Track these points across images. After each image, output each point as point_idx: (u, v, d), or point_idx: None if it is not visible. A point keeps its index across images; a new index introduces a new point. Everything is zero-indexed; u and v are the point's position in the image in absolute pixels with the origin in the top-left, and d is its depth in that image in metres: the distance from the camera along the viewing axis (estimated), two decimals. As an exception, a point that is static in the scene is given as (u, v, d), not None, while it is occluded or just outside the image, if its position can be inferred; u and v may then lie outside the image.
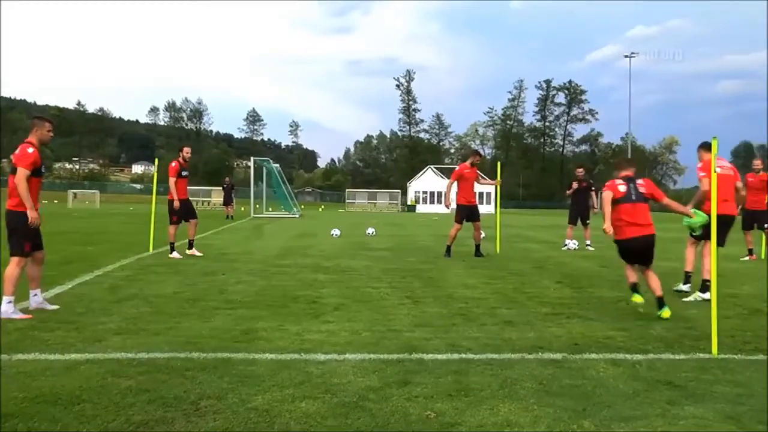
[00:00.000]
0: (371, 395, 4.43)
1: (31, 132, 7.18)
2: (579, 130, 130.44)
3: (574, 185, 16.93)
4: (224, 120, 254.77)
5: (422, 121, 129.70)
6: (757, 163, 15.28)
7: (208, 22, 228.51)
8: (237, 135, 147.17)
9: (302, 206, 53.55)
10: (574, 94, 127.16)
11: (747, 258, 14.63)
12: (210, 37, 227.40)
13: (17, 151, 7.00)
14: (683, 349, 5.93)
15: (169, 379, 4.70)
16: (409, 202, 75.17)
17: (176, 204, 13.01)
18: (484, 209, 13.89)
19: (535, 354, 5.66)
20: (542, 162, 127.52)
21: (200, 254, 13.30)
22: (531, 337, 6.34)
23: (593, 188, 17.22)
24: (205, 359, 5.29)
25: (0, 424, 3.82)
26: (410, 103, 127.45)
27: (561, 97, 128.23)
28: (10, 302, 6.80)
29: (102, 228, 23.24)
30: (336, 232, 20.89)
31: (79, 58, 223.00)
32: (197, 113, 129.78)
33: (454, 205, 14.58)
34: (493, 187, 17.06)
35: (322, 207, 70.48)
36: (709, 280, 8.28)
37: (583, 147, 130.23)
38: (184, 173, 13.24)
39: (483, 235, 14.53)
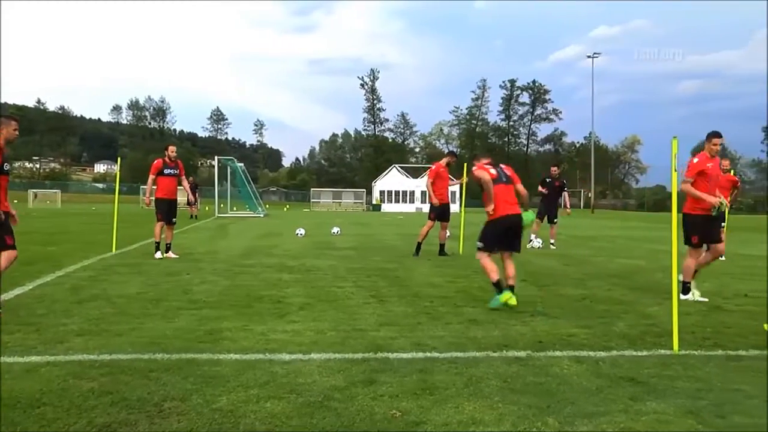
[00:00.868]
0: (336, 395, 4.42)
1: None
2: (543, 130, 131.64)
3: (546, 185, 17.06)
4: (188, 119, 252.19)
5: (387, 120, 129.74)
6: (726, 163, 15.49)
7: (170, 21, 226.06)
8: (201, 134, 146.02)
9: (267, 206, 53.30)
10: (538, 93, 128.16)
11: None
12: (173, 35, 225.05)
13: None
14: (645, 346, 6.02)
15: (132, 381, 4.65)
16: (374, 202, 75.21)
17: (147, 201, 12.77)
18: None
19: (500, 352, 5.70)
20: (506, 161, 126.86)
21: (176, 256, 12.98)
22: (496, 335, 6.38)
23: (565, 188, 17.40)
24: (169, 360, 5.23)
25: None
26: (375, 102, 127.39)
27: (525, 97, 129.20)
28: None
29: (64, 228, 22.88)
30: (301, 231, 20.82)
31: (38, 56, 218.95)
32: (160, 112, 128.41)
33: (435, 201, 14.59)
34: (458, 186, 17.08)
35: (287, 206, 70.23)
36: (687, 282, 8.66)
37: (547, 146, 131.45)
38: (167, 171, 12.83)
39: (449, 234, 14.60)
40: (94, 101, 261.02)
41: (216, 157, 46.59)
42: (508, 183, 8.40)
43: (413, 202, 72.65)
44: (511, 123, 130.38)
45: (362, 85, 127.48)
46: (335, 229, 22.00)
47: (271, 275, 10.47)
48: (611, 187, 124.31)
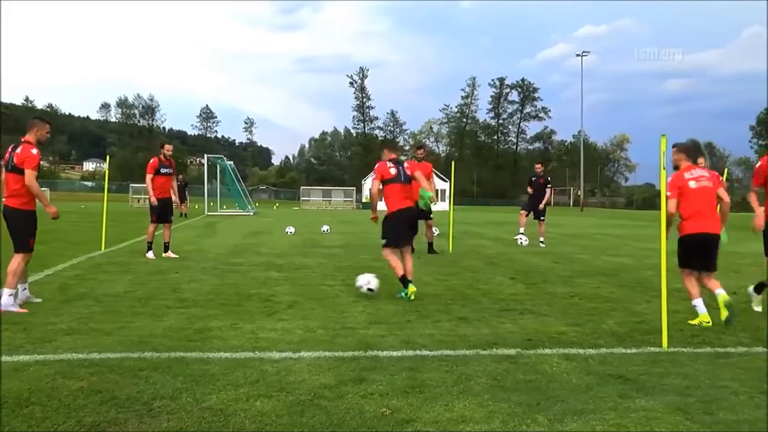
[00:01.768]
0: (326, 393, 4.43)
1: (29, 131, 7.48)
2: (532, 128, 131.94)
3: (532, 184, 17.14)
4: (177, 117, 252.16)
5: (376, 118, 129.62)
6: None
7: (159, 19, 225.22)
8: (190, 132, 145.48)
9: (257, 204, 53.18)
10: (527, 92, 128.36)
11: None
12: (161, 33, 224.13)
13: (19, 151, 7.22)
14: (634, 344, 6.05)
15: (121, 380, 4.64)
16: (363, 200, 75.14)
17: (152, 200, 12.62)
18: (437, 206, 13.86)
19: (490, 350, 5.71)
20: (496, 159, 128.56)
21: (176, 256, 12.81)
22: (485, 333, 6.40)
23: (549, 185, 17.46)
24: (159, 359, 5.22)
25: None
26: (364, 100, 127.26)
27: (514, 95, 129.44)
28: (11, 295, 7.05)
29: (52, 226, 22.73)
30: (290, 229, 20.78)
31: (26, 54, 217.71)
32: (149, 110, 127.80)
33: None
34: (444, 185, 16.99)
35: (277, 204, 69.95)
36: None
37: (537, 144, 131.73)
38: (163, 170, 12.66)
39: (437, 232, 14.60)
40: (82, 99, 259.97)
41: (205, 155, 46.42)
42: (406, 183, 8.58)
43: (403, 201, 72.52)
44: (501, 121, 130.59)
45: (351, 83, 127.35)
46: (325, 228, 21.97)
47: (260, 273, 10.45)
48: (600, 185, 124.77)
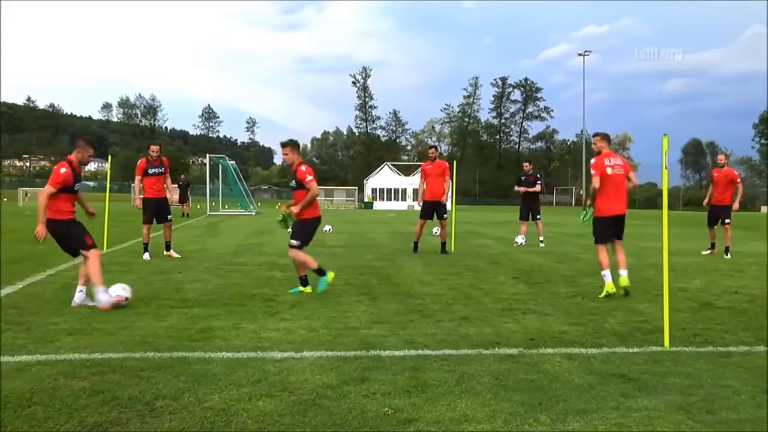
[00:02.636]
0: (328, 393, 4.42)
1: (75, 150, 7.96)
2: (534, 128, 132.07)
3: (522, 184, 17.17)
4: (179, 117, 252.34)
5: (379, 118, 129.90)
6: (721, 158, 15.42)
7: (160, 19, 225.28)
8: (192, 132, 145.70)
9: (259, 203, 53.17)
10: (530, 91, 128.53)
11: (708, 252, 14.90)
12: (163, 33, 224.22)
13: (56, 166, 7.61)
14: (636, 343, 6.04)
15: (123, 380, 4.64)
16: (366, 199, 75.18)
17: (137, 203, 12.60)
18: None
19: (492, 349, 5.71)
20: (498, 159, 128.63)
21: (177, 256, 12.79)
22: (487, 332, 6.39)
23: (539, 181, 17.47)
24: (161, 359, 5.22)
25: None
26: (366, 100, 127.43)
27: (517, 95, 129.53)
28: (104, 291, 7.30)
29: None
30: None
31: (29, 54, 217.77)
32: (151, 110, 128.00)
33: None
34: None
35: (279, 204, 69.97)
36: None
37: (539, 144, 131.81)
38: (152, 171, 12.62)
39: (437, 232, 14.64)
40: (84, 99, 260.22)
41: (207, 155, 46.49)
42: (298, 188, 8.97)
43: (405, 200, 72.72)
44: (503, 120, 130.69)
45: (354, 82, 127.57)
46: (327, 227, 21.95)
47: (262, 273, 10.46)
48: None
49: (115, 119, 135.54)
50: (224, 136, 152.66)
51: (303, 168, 8.75)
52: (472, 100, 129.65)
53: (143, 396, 4.29)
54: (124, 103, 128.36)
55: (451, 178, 14.82)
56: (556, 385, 4.69)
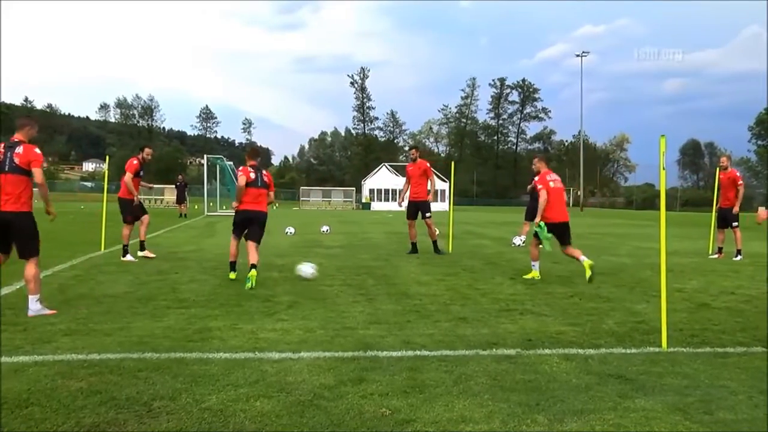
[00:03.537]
0: (326, 393, 4.43)
1: (21, 131, 7.24)
2: (532, 128, 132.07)
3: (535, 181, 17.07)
4: (177, 117, 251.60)
5: (376, 118, 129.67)
6: (723, 159, 15.02)
7: (157, 19, 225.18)
8: (190, 132, 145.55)
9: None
10: (528, 92, 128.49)
11: (716, 256, 14.20)
12: (160, 33, 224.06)
13: (21, 151, 7.01)
14: (634, 343, 6.05)
15: (121, 380, 4.64)
16: (363, 200, 75.15)
17: (136, 200, 12.58)
18: (437, 206, 13.98)
19: (489, 350, 5.72)
20: (496, 159, 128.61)
21: (153, 256, 12.74)
22: (485, 333, 6.40)
23: None
24: (158, 359, 5.22)
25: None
26: (364, 100, 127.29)
27: (514, 95, 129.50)
28: (38, 300, 7.05)
29: (51, 227, 22.72)
30: (290, 230, 20.79)
31: (26, 53, 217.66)
32: (148, 110, 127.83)
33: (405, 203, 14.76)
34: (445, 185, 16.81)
35: (277, 205, 69.91)
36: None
37: (537, 144, 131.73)
38: (142, 173, 12.78)
39: (437, 231, 14.61)
40: (81, 99, 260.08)
41: (205, 156, 46.43)
42: (262, 187, 9.76)
43: (403, 201, 72.70)
44: (501, 121, 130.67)
45: (352, 83, 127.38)
46: (324, 228, 21.97)
47: (260, 274, 10.43)
48: (600, 185, 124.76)
49: (112, 120, 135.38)
50: (222, 136, 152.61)
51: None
52: (469, 100, 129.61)
53: (141, 396, 4.29)
54: (121, 104, 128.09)
55: (449, 179, 14.82)
56: (553, 386, 4.70)
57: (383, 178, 76.79)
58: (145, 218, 12.97)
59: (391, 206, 69.14)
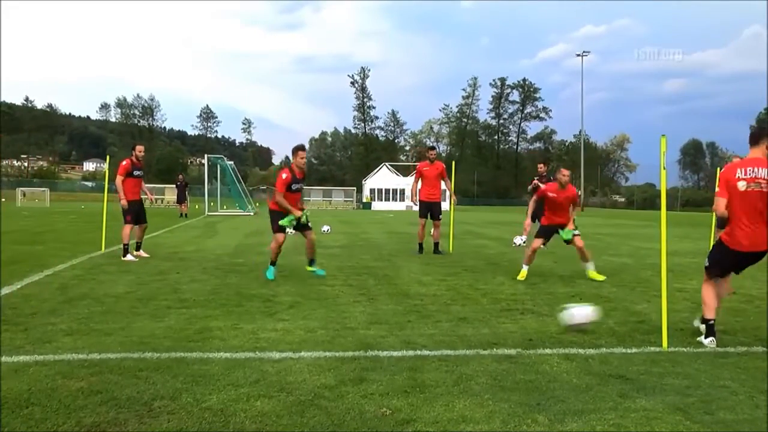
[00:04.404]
0: (326, 393, 4.43)
1: None
2: (533, 128, 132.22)
3: (536, 181, 17.03)
4: (177, 117, 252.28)
5: (377, 118, 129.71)
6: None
7: (158, 19, 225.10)
8: (191, 132, 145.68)
9: (257, 204, 53.13)
10: (528, 92, 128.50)
11: None
12: (161, 33, 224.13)
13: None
14: (635, 343, 6.05)
15: (121, 380, 4.64)
16: (364, 200, 75.18)
17: (123, 203, 12.47)
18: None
19: (490, 350, 5.72)
20: (496, 159, 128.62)
21: (147, 255, 12.72)
22: (485, 333, 6.40)
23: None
24: (159, 359, 5.22)
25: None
26: (365, 100, 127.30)
27: (515, 95, 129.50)
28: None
29: (52, 227, 22.75)
30: (291, 230, 20.74)
31: (27, 53, 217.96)
32: (149, 110, 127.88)
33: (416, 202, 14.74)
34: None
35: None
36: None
37: (537, 144, 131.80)
38: (136, 173, 12.63)
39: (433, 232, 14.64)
40: (82, 99, 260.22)
41: (206, 156, 46.38)
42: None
43: (403, 200, 72.78)
44: (501, 121, 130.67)
45: (352, 83, 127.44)
46: (325, 228, 21.94)
47: (261, 274, 10.45)
48: (601, 185, 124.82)
49: (113, 119, 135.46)
50: (222, 136, 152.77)
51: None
52: (470, 100, 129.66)
53: (141, 396, 4.29)
54: (121, 104, 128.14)
55: (450, 179, 14.81)
56: (554, 386, 4.70)
57: (384, 177, 76.85)
58: (142, 225, 12.92)
59: (392, 206, 69.28)
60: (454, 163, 16.34)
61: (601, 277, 10.17)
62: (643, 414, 4.12)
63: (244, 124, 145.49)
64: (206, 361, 5.19)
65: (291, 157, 10.11)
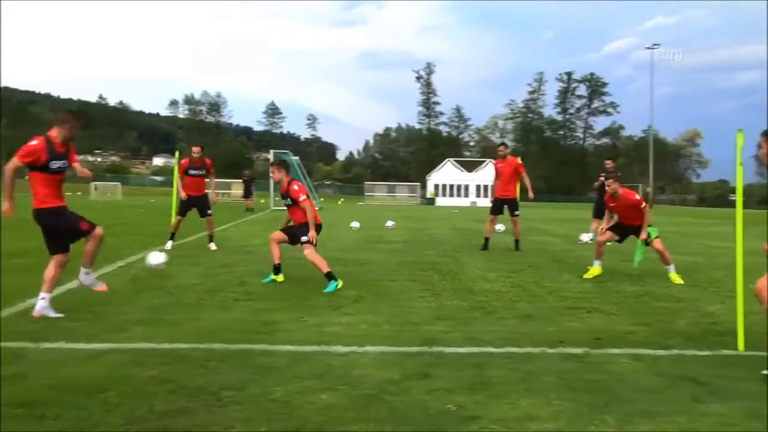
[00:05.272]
0: (391, 388, 4.44)
1: (54, 126, 6.81)
2: (600, 123, 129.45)
3: (602, 178, 16.70)
4: (244, 113, 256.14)
5: (441, 113, 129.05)
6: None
7: (222, 18, 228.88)
8: (256, 128, 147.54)
9: (322, 199, 53.67)
10: (595, 86, 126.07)
11: None
12: (226, 31, 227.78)
13: None
14: (707, 345, 5.89)
15: (190, 370, 4.74)
16: (428, 195, 75.06)
17: (183, 195, 13.18)
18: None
19: (556, 348, 5.64)
20: (562, 155, 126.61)
21: (215, 248, 13.09)
22: (551, 331, 6.32)
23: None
24: (226, 350, 5.32)
25: (0, 420, 3.87)
26: (430, 95, 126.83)
27: (582, 90, 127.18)
28: (89, 274, 7.22)
29: (123, 219, 23.38)
30: (355, 224, 20.89)
31: (99, 53, 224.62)
32: (216, 106, 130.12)
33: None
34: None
35: (342, 200, 70.41)
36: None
37: (605, 139, 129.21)
38: (192, 172, 13.25)
39: (502, 228, 14.57)
40: (152, 96, 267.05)
41: (271, 151, 47.00)
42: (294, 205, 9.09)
43: (468, 196, 72.42)
44: (567, 116, 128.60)
45: (418, 78, 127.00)
46: (389, 223, 21.97)
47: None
48: (671, 181, 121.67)
49: (181, 116, 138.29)
50: (287, 132, 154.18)
51: (295, 187, 8.93)
52: (536, 95, 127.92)
53: (210, 386, 4.38)
54: (189, 100, 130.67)
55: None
56: (622, 387, 4.61)
57: (448, 173, 76.58)
58: (207, 218, 13.38)
59: (457, 202, 69.00)
60: (520, 158, 16.17)
61: (681, 281, 9.82)
62: (717, 419, 4.00)
63: (309, 119, 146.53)
64: (272, 354, 5.26)
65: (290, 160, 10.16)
